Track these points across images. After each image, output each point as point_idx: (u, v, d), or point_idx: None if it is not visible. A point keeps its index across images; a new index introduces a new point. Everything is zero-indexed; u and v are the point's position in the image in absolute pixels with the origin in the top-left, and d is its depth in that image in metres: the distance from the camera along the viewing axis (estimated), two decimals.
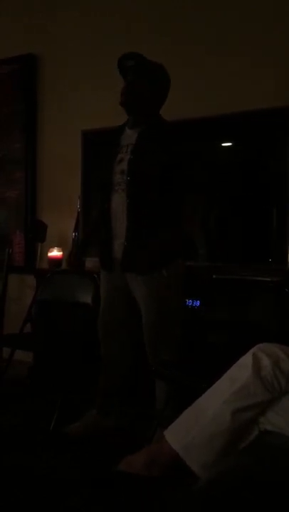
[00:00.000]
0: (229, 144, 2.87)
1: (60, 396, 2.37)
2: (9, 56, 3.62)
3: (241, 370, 1.60)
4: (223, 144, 2.88)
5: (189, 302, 2.55)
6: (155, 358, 2.18)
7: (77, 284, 2.75)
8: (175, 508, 1.54)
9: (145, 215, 2.18)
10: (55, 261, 3.24)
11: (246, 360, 1.60)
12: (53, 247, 3.27)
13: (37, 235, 3.39)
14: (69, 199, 3.31)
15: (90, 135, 3.15)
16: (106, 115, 3.03)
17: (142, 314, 2.22)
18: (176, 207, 2.25)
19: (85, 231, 3.03)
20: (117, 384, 2.38)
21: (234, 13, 2.83)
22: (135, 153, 2.20)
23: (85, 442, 2.20)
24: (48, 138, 3.57)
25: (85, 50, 3.35)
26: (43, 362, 3.14)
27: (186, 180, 2.24)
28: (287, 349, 1.62)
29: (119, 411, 2.40)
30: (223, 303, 2.50)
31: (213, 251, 2.86)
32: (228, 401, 1.57)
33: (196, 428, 1.60)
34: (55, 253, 3.25)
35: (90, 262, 3.07)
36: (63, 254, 3.26)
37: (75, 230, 3.17)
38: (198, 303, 2.54)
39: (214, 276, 2.56)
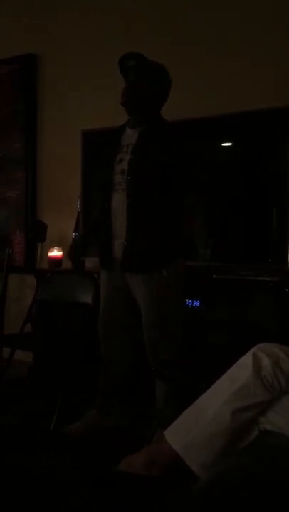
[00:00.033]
0: (229, 144, 2.87)
1: (60, 396, 2.37)
2: (9, 56, 3.63)
3: (241, 370, 1.60)
4: (223, 144, 2.87)
5: (189, 302, 2.55)
6: (155, 358, 2.18)
7: (77, 284, 2.75)
8: (175, 508, 1.54)
9: (145, 215, 2.18)
10: (55, 261, 3.24)
11: (246, 360, 1.60)
12: (53, 247, 3.28)
13: (37, 235, 3.39)
14: (69, 199, 3.32)
15: (90, 135, 3.15)
16: (106, 115, 3.03)
17: (142, 314, 2.22)
18: (177, 207, 2.25)
19: (84, 230, 3.03)
20: (117, 384, 2.38)
21: (234, 13, 2.83)
22: (135, 153, 2.20)
23: (85, 442, 2.20)
24: (48, 138, 3.57)
25: (85, 50, 3.35)
26: (43, 362, 3.14)
27: (186, 180, 2.24)
28: (287, 349, 1.62)
29: (119, 411, 2.40)
30: (223, 303, 2.50)
31: (213, 251, 2.86)
32: (228, 401, 1.57)
33: (196, 428, 1.60)
34: (55, 253, 3.25)
35: (90, 262, 3.07)
36: (63, 254, 3.26)
37: (75, 230, 3.17)
38: (198, 303, 2.54)
39: (214, 276, 2.56)
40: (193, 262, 2.67)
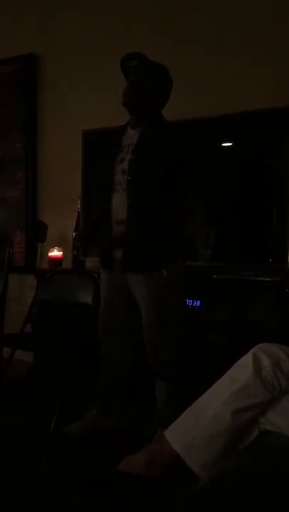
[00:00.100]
0: (229, 144, 2.87)
1: (60, 396, 2.37)
2: (9, 56, 3.62)
3: (241, 370, 1.60)
4: (224, 144, 2.87)
5: (189, 302, 2.55)
6: (155, 358, 2.18)
7: (77, 284, 2.75)
8: (175, 508, 1.54)
9: (145, 215, 2.18)
10: (56, 261, 3.24)
11: (246, 360, 1.60)
12: (53, 247, 3.27)
13: (37, 235, 3.39)
14: (69, 199, 3.31)
15: (90, 135, 3.15)
16: (106, 115, 3.03)
17: (142, 314, 2.22)
18: (177, 207, 2.25)
19: (86, 227, 2.97)
20: (117, 384, 2.38)
21: (234, 13, 2.83)
22: (136, 153, 2.20)
23: (85, 442, 2.20)
24: (48, 138, 3.57)
25: (85, 50, 3.35)
26: (43, 362, 3.14)
27: (187, 181, 2.24)
28: (288, 349, 1.62)
29: (119, 411, 2.40)
30: (224, 303, 2.49)
31: (213, 251, 2.86)
32: (229, 401, 1.57)
33: (197, 428, 1.60)
34: (55, 253, 3.25)
35: (90, 262, 3.07)
36: (63, 254, 3.26)
37: (76, 230, 3.17)
38: (198, 303, 2.54)
39: (214, 276, 2.56)
40: (193, 262, 2.67)
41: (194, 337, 2.41)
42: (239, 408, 1.55)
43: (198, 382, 1.79)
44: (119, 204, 2.21)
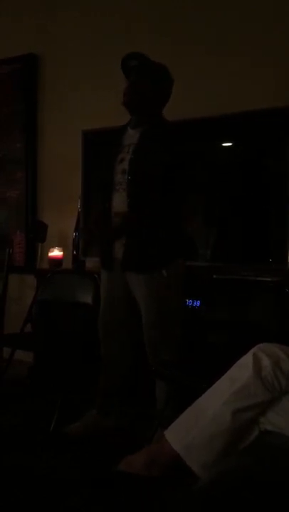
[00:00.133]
0: (229, 144, 2.87)
1: (60, 396, 2.37)
2: (9, 56, 3.62)
3: (241, 370, 1.60)
4: (224, 144, 2.87)
5: (190, 302, 2.55)
6: (155, 358, 2.18)
7: (77, 284, 2.75)
8: (175, 508, 1.54)
9: (145, 215, 2.18)
10: (56, 261, 3.24)
11: (246, 360, 1.60)
12: (53, 247, 3.28)
13: (37, 235, 3.39)
14: (69, 199, 3.31)
15: (90, 135, 3.15)
16: (106, 115, 3.03)
17: (142, 314, 2.22)
18: (177, 207, 2.25)
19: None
20: (117, 384, 2.38)
21: (234, 13, 2.83)
22: (136, 152, 2.20)
23: (85, 442, 2.20)
24: (48, 138, 3.57)
25: (85, 50, 3.35)
26: (43, 362, 3.14)
27: (187, 181, 2.24)
28: (288, 349, 1.62)
29: (119, 411, 2.40)
30: (224, 303, 2.49)
31: (213, 251, 2.86)
32: (229, 401, 1.57)
33: (197, 428, 1.60)
34: (55, 253, 3.25)
35: (91, 262, 3.07)
36: (63, 254, 3.26)
37: (76, 230, 3.17)
38: (198, 303, 2.54)
39: (214, 277, 2.56)
40: (193, 262, 2.67)
41: (194, 337, 2.41)
42: (239, 408, 1.55)
43: (198, 382, 1.79)
44: (119, 204, 2.21)
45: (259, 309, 2.35)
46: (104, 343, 2.37)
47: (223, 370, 1.65)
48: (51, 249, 3.27)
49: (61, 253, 3.25)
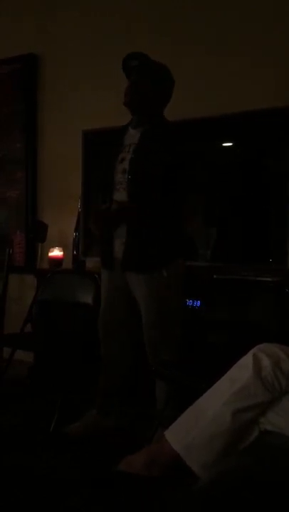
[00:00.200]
0: (229, 144, 2.87)
1: (60, 396, 2.37)
2: (9, 56, 3.62)
3: (241, 370, 1.60)
4: (224, 144, 2.87)
5: (190, 302, 2.55)
6: (155, 358, 2.18)
7: (77, 284, 2.75)
8: (175, 508, 1.54)
9: (146, 215, 2.18)
10: (56, 261, 3.24)
11: (246, 360, 1.60)
12: (53, 247, 3.28)
13: (37, 235, 3.39)
14: (69, 199, 3.32)
15: (90, 135, 3.15)
16: (106, 115, 3.04)
17: (142, 314, 2.22)
18: (177, 207, 2.25)
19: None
20: (117, 384, 2.38)
21: (234, 13, 2.83)
22: (137, 152, 2.20)
23: (85, 442, 2.20)
24: (48, 138, 3.57)
25: (85, 50, 3.35)
26: (43, 362, 3.14)
27: (187, 181, 2.24)
28: (288, 349, 1.62)
29: (119, 411, 2.40)
30: (224, 303, 2.49)
31: (213, 251, 2.86)
32: (229, 401, 1.57)
33: (197, 428, 1.60)
34: (55, 253, 3.25)
35: (91, 262, 3.07)
36: (64, 254, 3.26)
37: (76, 230, 3.17)
38: (198, 303, 2.54)
39: (215, 277, 2.56)
40: (193, 262, 2.67)
41: (194, 337, 2.41)
42: (239, 408, 1.55)
43: (198, 382, 1.79)
44: None
45: (259, 309, 2.35)
46: (104, 343, 2.37)
47: (223, 370, 1.65)
48: (51, 249, 3.27)
49: (61, 253, 3.26)
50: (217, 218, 2.89)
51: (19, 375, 3.11)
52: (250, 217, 2.71)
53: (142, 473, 1.67)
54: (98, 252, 2.46)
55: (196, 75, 2.88)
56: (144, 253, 2.18)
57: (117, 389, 2.38)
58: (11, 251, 3.39)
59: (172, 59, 2.41)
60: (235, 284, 2.52)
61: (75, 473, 1.93)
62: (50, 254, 3.26)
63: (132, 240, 2.19)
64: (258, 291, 2.44)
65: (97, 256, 2.48)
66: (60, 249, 3.26)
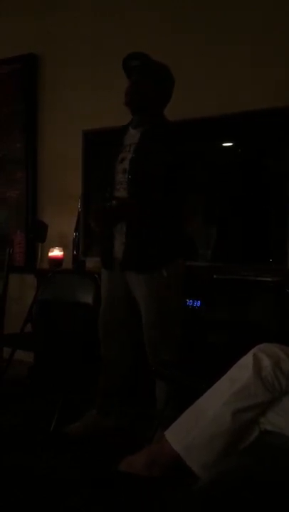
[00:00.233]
0: (230, 144, 2.87)
1: (60, 396, 2.37)
2: (9, 56, 3.62)
3: (242, 370, 1.60)
4: (224, 144, 2.87)
5: (190, 302, 2.55)
6: (155, 358, 2.18)
7: (77, 284, 2.75)
8: (175, 508, 1.54)
9: (146, 214, 2.18)
10: (56, 261, 3.24)
11: (247, 360, 1.60)
12: (53, 247, 3.28)
13: (37, 235, 3.39)
14: (69, 199, 3.31)
15: (90, 135, 3.15)
16: (106, 115, 3.04)
17: (142, 314, 2.22)
18: (178, 206, 2.25)
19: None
20: (117, 384, 2.38)
21: (234, 13, 2.83)
22: (137, 152, 2.20)
23: (85, 442, 2.20)
24: (48, 138, 3.57)
25: (85, 50, 3.35)
26: (43, 362, 3.14)
27: (187, 181, 2.24)
28: (288, 349, 1.62)
29: (119, 411, 2.40)
30: (224, 303, 2.49)
31: (213, 251, 2.86)
32: (229, 402, 1.57)
33: (197, 428, 1.60)
34: (55, 253, 3.25)
35: (91, 262, 3.07)
36: (64, 254, 3.26)
37: (76, 230, 3.17)
38: (198, 303, 2.54)
39: (215, 277, 2.56)
40: (193, 262, 2.67)
41: (194, 337, 2.41)
42: (239, 408, 1.55)
43: (198, 382, 1.79)
44: None
45: (259, 309, 2.35)
46: (104, 343, 2.37)
47: (223, 370, 1.65)
48: (51, 249, 3.27)
49: (61, 253, 3.26)
50: (217, 218, 2.89)
51: (19, 375, 3.11)
52: (250, 217, 2.71)
53: (142, 473, 1.68)
54: (98, 252, 2.46)
55: (196, 75, 2.88)
56: (144, 253, 2.18)
57: (117, 389, 2.38)
58: (11, 251, 3.38)
59: (172, 59, 2.41)
60: (235, 284, 2.52)
61: (75, 473, 1.93)
62: (50, 254, 3.26)
63: (131, 239, 2.19)
64: (258, 291, 2.44)
65: (97, 256, 2.47)
66: (60, 249, 3.26)
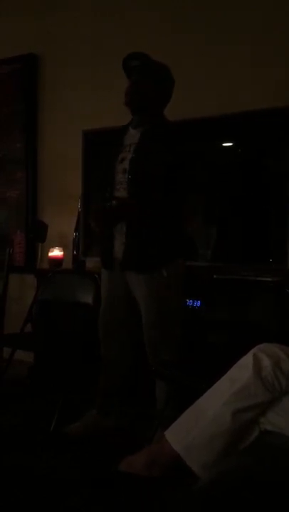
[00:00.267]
0: (230, 144, 2.87)
1: (60, 396, 2.37)
2: (9, 56, 3.62)
3: (242, 370, 1.60)
4: (224, 144, 2.87)
5: (190, 302, 2.55)
6: (155, 358, 2.18)
7: (77, 284, 2.75)
8: (175, 508, 1.54)
9: (146, 214, 2.18)
10: (56, 261, 3.24)
11: (247, 360, 1.60)
12: (53, 247, 3.28)
13: (37, 235, 3.39)
14: (70, 199, 3.31)
15: (90, 135, 3.15)
16: (106, 115, 3.04)
17: (142, 314, 2.22)
18: (178, 206, 2.25)
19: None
20: (117, 384, 2.38)
21: (234, 13, 2.83)
22: (137, 152, 2.20)
23: (85, 442, 2.20)
24: (48, 138, 3.57)
25: (85, 50, 3.35)
26: (43, 362, 3.14)
27: (187, 181, 2.24)
28: (288, 349, 1.62)
29: (119, 411, 2.40)
30: (224, 303, 2.49)
31: (213, 251, 2.86)
32: (229, 402, 1.57)
33: (197, 428, 1.60)
34: (55, 253, 3.25)
35: (91, 262, 3.07)
36: (64, 254, 3.26)
37: (76, 230, 3.17)
38: (198, 303, 2.54)
39: (215, 277, 2.56)
40: (193, 262, 2.67)
41: (194, 337, 2.41)
42: (239, 408, 1.55)
43: (198, 382, 1.79)
44: None
45: (259, 309, 2.35)
46: (104, 343, 2.37)
47: (223, 370, 1.65)
48: (51, 249, 3.27)
49: (61, 253, 3.26)
50: (217, 218, 2.89)
51: (19, 375, 3.11)
52: (250, 217, 2.71)
53: (142, 473, 1.68)
54: (98, 252, 2.46)
55: (196, 75, 2.88)
56: (144, 253, 2.18)
57: (117, 389, 2.38)
58: (11, 251, 3.39)
59: (172, 59, 2.41)
60: (235, 284, 2.52)
61: (75, 473, 1.93)
62: (50, 254, 3.26)
63: (131, 239, 2.19)
64: (258, 291, 2.44)
65: (97, 256, 2.47)
66: (60, 249, 3.26)
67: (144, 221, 2.18)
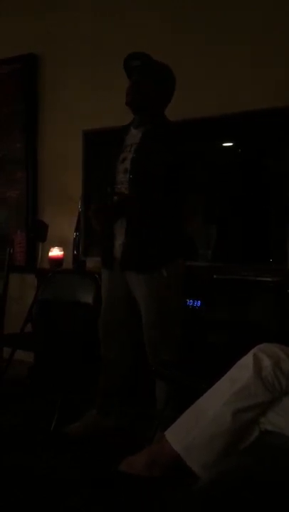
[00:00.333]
0: (230, 144, 2.87)
1: (60, 396, 2.37)
2: (9, 56, 3.62)
3: (242, 370, 1.60)
4: (224, 144, 2.87)
5: (190, 302, 2.55)
6: (155, 358, 2.18)
7: (78, 284, 2.75)
8: (175, 508, 1.54)
9: (146, 214, 2.18)
10: (56, 261, 3.24)
11: (247, 360, 1.61)
12: (53, 246, 3.28)
13: (38, 235, 3.39)
14: (70, 199, 3.32)
15: (91, 135, 3.15)
16: (106, 115, 3.03)
17: (142, 314, 2.22)
18: (178, 206, 2.25)
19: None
20: (117, 384, 2.38)
21: (234, 13, 2.83)
22: (138, 152, 2.20)
23: (85, 442, 2.21)
24: (48, 138, 3.57)
25: (85, 50, 3.35)
26: (43, 362, 3.14)
27: (187, 181, 2.24)
28: (288, 349, 1.62)
29: (119, 411, 2.40)
30: (224, 303, 2.50)
31: (213, 251, 2.86)
32: (229, 402, 1.57)
33: (197, 429, 1.60)
34: (55, 253, 3.25)
35: (91, 262, 3.07)
36: (64, 254, 3.26)
37: (76, 229, 3.17)
38: (198, 303, 2.54)
39: (215, 277, 2.56)
40: (193, 262, 2.67)
41: (194, 337, 2.41)
42: (239, 408, 1.55)
43: (198, 383, 1.79)
44: None
45: (259, 309, 2.35)
46: (104, 343, 2.37)
47: (223, 370, 1.65)
48: (52, 249, 3.27)
49: (62, 253, 3.26)
50: (217, 218, 2.89)
51: (19, 375, 3.11)
52: (250, 217, 2.71)
53: (142, 473, 1.68)
54: (98, 252, 2.46)
55: (196, 75, 2.88)
56: (144, 253, 2.18)
57: (117, 389, 2.38)
58: (11, 250, 3.38)
59: (172, 59, 2.41)
60: (235, 284, 2.52)
61: (75, 473, 1.93)
62: (51, 254, 3.26)
63: (131, 239, 2.19)
64: (258, 291, 2.44)
65: (97, 256, 2.47)
66: (61, 249, 3.26)
67: (144, 220, 2.18)
